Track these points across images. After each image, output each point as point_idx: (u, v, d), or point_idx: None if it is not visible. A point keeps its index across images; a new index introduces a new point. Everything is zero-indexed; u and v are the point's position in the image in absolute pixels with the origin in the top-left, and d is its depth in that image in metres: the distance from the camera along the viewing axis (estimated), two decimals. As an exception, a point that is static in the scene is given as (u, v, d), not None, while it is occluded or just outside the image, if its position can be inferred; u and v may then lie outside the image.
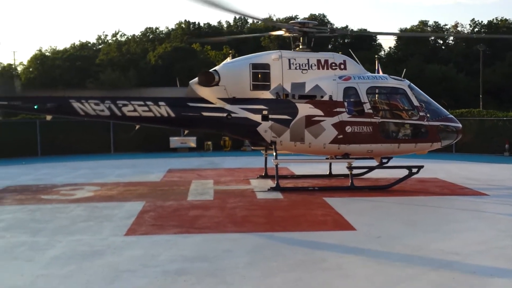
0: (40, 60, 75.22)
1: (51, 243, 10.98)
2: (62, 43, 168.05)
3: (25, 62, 79.77)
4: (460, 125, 18.45)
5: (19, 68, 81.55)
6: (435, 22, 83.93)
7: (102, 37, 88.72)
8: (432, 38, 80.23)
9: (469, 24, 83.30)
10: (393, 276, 8.89)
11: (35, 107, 17.95)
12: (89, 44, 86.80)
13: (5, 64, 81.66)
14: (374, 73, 19.51)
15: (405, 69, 21.02)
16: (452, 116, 18.63)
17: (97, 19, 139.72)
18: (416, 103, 17.63)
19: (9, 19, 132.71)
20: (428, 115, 17.62)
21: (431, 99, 18.45)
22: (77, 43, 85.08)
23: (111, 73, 63.57)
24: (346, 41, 76.97)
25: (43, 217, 13.70)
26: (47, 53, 79.26)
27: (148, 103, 17.55)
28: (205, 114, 17.73)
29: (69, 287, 8.32)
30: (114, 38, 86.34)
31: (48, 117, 19.37)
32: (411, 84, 18.17)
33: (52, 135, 31.37)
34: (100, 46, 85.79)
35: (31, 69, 75.73)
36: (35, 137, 31.36)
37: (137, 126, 19.45)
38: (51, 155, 30.40)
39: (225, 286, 8.38)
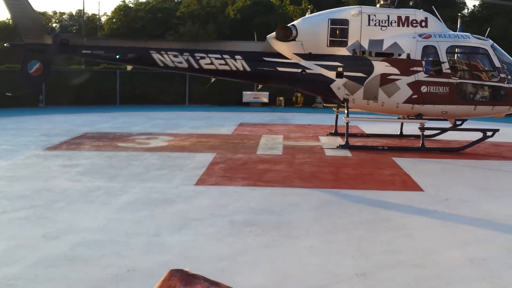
0: (123, 11, 76.57)
1: (125, 189, 11.42)
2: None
3: (109, 13, 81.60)
4: (543, 90, 17.69)
5: (103, 19, 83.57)
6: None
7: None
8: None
9: None
10: (459, 238, 8.80)
11: (117, 56, 18.45)
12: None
13: (90, 14, 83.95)
14: (456, 32, 18.87)
15: (489, 28, 20.21)
16: (536, 80, 17.88)
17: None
18: (497, 64, 17.01)
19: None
20: (509, 77, 17.00)
21: (515, 61, 17.74)
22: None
23: (191, 26, 64.08)
24: (429, -3, 74.30)
25: (118, 163, 14.24)
26: (130, 5, 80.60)
27: (225, 56, 17.73)
28: (280, 69, 17.76)
29: (140, 231, 8.67)
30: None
31: (129, 67, 19.99)
32: (494, 44, 17.49)
33: (130, 85, 32.28)
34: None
35: (114, 20, 77.30)
36: (115, 87, 32.33)
37: (213, 79, 19.75)
38: (129, 104, 31.31)
39: (289, 239, 8.50)
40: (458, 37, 17.51)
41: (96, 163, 14.24)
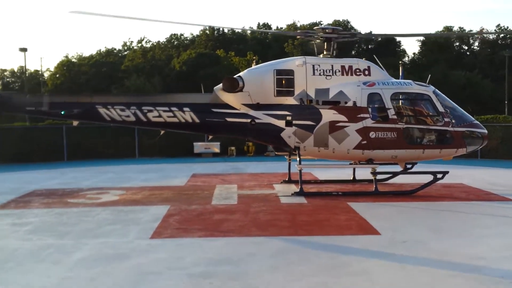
0: (66, 66, 76.02)
1: (77, 246, 11.11)
2: (89, 50, 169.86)
3: (52, 69, 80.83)
4: (486, 131, 18.27)
5: (46, 74, 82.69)
6: (460, 27, 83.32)
7: (128, 43, 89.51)
8: (457, 44, 79.51)
9: (495, 30, 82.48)
10: (418, 281, 8.85)
11: (62, 112, 18.17)
12: (115, 51, 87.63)
13: (32, 70, 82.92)
14: (399, 79, 19.42)
15: (430, 75, 20.88)
16: (478, 122, 18.46)
17: (123, 26, 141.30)
18: (441, 109, 17.52)
19: (36, 26, 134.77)
20: (453, 121, 17.49)
21: (456, 105, 18.30)
22: (103, 49, 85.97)
23: (136, 79, 64.06)
24: (370, 47, 76.69)
25: (69, 220, 13.86)
26: (73, 60, 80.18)
27: (173, 109, 17.69)
28: (229, 119, 17.81)
29: (95, 288, 8.41)
30: (139, 45, 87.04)
31: (75, 123, 19.69)
32: (436, 90, 18.04)
33: (78, 140, 31.72)
34: (125, 53, 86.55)
35: (57, 75, 76.57)
36: (62, 142, 31.74)
37: (162, 132, 19.64)
38: (77, 159, 30.73)
39: (249, 290, 8.36)
40: (401, 84, 17.97)
41: (46, 221, 13.83)
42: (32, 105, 18.26)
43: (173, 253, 10.55)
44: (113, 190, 19.06)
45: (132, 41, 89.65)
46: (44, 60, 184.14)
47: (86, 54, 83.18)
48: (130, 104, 17.80)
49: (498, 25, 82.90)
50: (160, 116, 17.72)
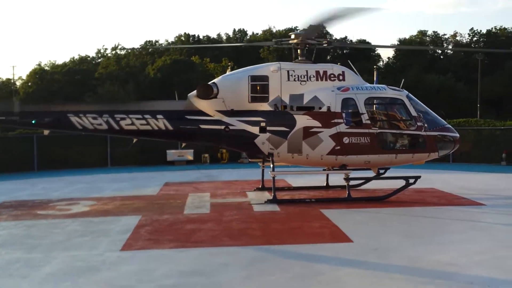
0: (39, 74, 75.32)
1: (47, 259, 10.92)
2: (62, 57, 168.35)
3: (24, 77, 79.94)
4: (458, 135, 18.40)
5: (18, 83, 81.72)
6: (434, 32, 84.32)
7: (102, 50, 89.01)
8: (431, 49, 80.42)
9: (468, 34, 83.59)
10: (390, 288, 8.83)
11: (33, 122, 17.89)
12: (89, 58, 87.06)
13: (4, 79, 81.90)
14: (373, 83, 19.48)
15: (403, 79, 20.99)
16: (450, 126, 18.59)
17: (96, 33, 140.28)
18: (413, 113, 17.60)
19: (9, 33, 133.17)
20: (425, 125, 17.59)
21: (429, 109, 18.42)
22: (76, 57, 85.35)
23: (110, 86, 63.60)
24: (345, 52, 77.14)
25: (38, 233, 13.62)
26: (46, 68, 79.44)
27: (146, 116, 17.54)
28: (203, 126, 17.70)
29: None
30: (113, 52, 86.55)
31: (46, 132, 19.35)
32: (409, 94, 18.14)
33: (49, 150, 31.23)
34: (99, 60, 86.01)
35: (30, 84, 75.82)
36: (32, 152, 31.25)
37: (135, 140, 19.45)
38: (48, 169, 30.28)
39: (221, 301, 8.30)
40: (375, 89, 18.03)
41: (15, 234, 13.57)
42: (2, 115, 17.95)
43: (144, 265, 10.41)
44: (84, 200, 18.78)
45: (106, 48, 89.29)
46: (17, 69, 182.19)
47: (59, 61, 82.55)
48: (102, 112, 17.61)
49: (472, 28, 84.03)
50: (133, 124, 17.55)
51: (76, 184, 23.98)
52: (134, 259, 10.88)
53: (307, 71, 17.66)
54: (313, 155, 17.36)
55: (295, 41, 18.16)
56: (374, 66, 25.04)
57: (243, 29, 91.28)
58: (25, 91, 74.24)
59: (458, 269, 9.82)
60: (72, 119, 17.49)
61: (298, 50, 18.36)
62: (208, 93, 17.41)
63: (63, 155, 31.14)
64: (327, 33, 78.45)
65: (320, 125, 17.24)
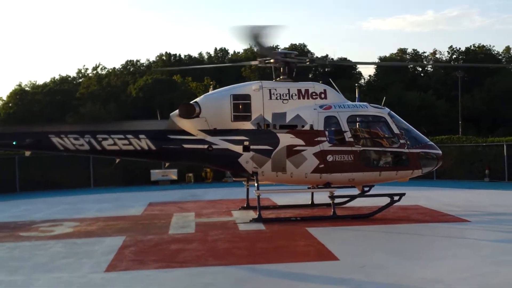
0: (19, 95, 74.82)
1: (29, 282, 10.75)
2: (42, 78, 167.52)
3: (5, 98, 79.32)
4: (440, 152, 18.52)
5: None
6: (413, 49, 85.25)
7: (83, 70, 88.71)
8: (411, 65, 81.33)
9: (447, 51, 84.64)
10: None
11: (14, 143, 17.70)
12: (69, 78, 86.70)
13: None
14: (355, 101, 19.57)
15: (384, 97, 21.11)
16: (432, 143, 18.71)
17: (77, 53, 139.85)
18: (396, 130, 17.69)
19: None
20: (408, 142, 17.66)
21: (411, 127, 18.53)
22: (57, 77, 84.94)
23: (92, 106, 63.37)
24: (326, 70, 77.73)
25: (21, 254, 13.41)
26: (26, 88, 78.95)
27: (129, 136, 17.43)
28: (186, 146, 17.63)
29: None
30: (94, 72, 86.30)
31: (27, 153, 19.21)
32: (391, 112, 18.25)
33: (31, 171, 30.99)
34: (80, 80, 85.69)
35: (10, 105, 75.23)
36: (14, 173, 30.94)
37: (118, 160, 19.31)
38: (30, 191, 29.98)
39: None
40: (357, 107, 18.11)
41: (-4, 256, 13.34)
42: None
43: (129, 286, 10.28)
44: (67, 221, 18.57)
45: (87, 68, 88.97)
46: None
47: (40, 82, 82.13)
48: (84, 133, 17.47)
49: (451, 46, 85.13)
50: (115, 144, 17.43)
51: (59, 205, 23.75)
52: (118, 280, 10.72)
53: (289, 89, 17.71)
54: (297, 173, 17.34)
55: (272, 60, 18.28)
56: (356, 84, 25.30)
57: (224, 48, 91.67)
58: (6, 112, 73.66)
59: (444, 286, 9.78)
60: (53, 139, 17.34)
61: (281, 69, 18.43)
62: (190, 112, 17.37)
63: (46, 176, 30.93)
64: (308, 51, 79.21)
65: (303, 143, 17.25)
